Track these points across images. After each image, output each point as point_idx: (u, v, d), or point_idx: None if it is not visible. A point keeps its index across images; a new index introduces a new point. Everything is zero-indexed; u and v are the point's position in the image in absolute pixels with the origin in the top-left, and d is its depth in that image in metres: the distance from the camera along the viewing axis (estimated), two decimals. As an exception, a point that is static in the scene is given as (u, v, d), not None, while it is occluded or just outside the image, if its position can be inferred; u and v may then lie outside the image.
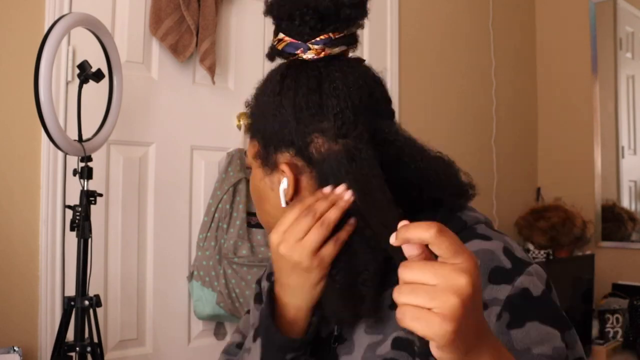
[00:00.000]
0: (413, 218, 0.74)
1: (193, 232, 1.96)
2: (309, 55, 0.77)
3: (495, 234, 0.76)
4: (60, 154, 1.66)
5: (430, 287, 0.50)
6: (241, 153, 1.98)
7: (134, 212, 1.86)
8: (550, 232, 2.79)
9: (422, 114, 2.58)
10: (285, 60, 0.80)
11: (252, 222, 1.95)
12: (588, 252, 2.81)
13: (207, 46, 1.90)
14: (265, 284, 0.97)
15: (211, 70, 1.91)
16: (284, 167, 0.77)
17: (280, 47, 0.79)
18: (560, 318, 0.70)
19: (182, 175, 1.97)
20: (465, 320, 0.50)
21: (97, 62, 1.53)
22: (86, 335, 1.46)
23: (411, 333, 0.70)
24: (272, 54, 0.81)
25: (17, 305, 1.62)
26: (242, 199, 1.92)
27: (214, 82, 1.96)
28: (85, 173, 1.49)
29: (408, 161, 0.75)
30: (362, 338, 0.76)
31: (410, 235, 0.52)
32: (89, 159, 1.50)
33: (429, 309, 0.49)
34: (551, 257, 2.79)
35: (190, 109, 1.98)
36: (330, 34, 0.76)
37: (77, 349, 1.44)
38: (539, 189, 3.23)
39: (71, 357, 1.46)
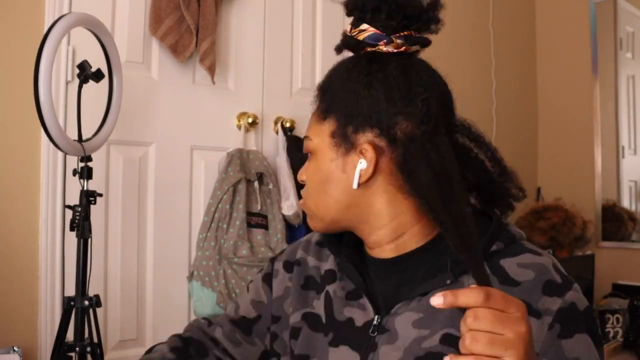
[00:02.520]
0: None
1: (193, 232, 1.96)
2: (389, 48, 0.79)
3: (542, 251, 0.80)
4: (60, 154, 1.66)
5: (502, 338, 0.54)
6: (241, 153, 1.98)
7: (134, 212, 1.86)
8: (550, 232, 2.79)
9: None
10: (356, 52, 0.82)
11: (252, 222, 1.95)
12: (588, 252, 2.81)
13: (207, 46, 1.90)
14: (280, 268, 0.95)
15: (211, 70, 1.91)
16: (367, 146, 0.78)
17: (361, 37, 0.80)
18: (599, 334, 0.75)
19: (182, 175, 1.96)
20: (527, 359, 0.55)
21: (97, 62, 1.53)
22: (86, 335, 1.46)
23: (459, 331, 0.71)
24: (346, 44, 0.83)
25: (17, 305, 1.62)
26: (242, 199, 1.92)
27: (214, 82, 1.96)
28: (85, 173, 1.49)
29: (478, 152, 0.81)
30: (408, 330, 0.77)
31: (460, 302, 0.55)
32: (89, 159, 1.50)
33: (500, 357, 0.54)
34: (551, 257, 2.78)
35: (190, 109, 1.98)
36: (412, 32, 0.80)
37: (77, 349, 1.44)
38: (539, 189, 3.23)
39: (71, 357, 1.46)
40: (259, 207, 1.98)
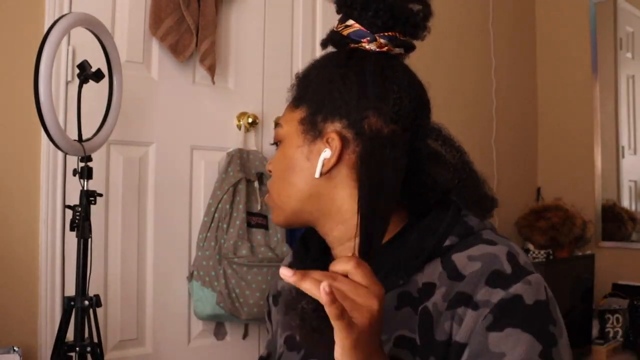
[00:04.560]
0: (423, 217, 0.77)
1: (193, 232, 1.96)
2: (372, 46, 0.79)
3: (501, 239, 0.77)
4: (60, 154, 1.66)
5: (354, 301, 0.60)
6: (241, 153, 1.98)
7: (134, 212, 1.86)
8: (550, 232, 2.79)
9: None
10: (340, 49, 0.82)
11: (252, 222, 1.95)
12: (588, 252, 2.81)
13: (207, 46, 1.90)
14: (271, 303, 0.98)
15: (211, 70, 1.91)
16: (333, 135, 0.78)
17: (345, 33, 0.80)
18: (546, 332, 0.69)
19: (182, 175, 1.96)
20: (367, 337, 0.61)
21: (97, 62, 1.53)
22: (86, 335, 1.46)
23: (412, 332, 0.72)
24: (331, 39, 0.83)
25: (17, 305, 1.62)
26: (242, 199, 1.92)
27: (214, 82, 1.96)
28: (85, 173, 1.49)
29: (444, 158, 0.80)
30: None
31: (335, 268, 0.63)
32: (89, 159, 1.50)
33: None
34: (551, 257, 2.78)
35: (190, 109, 1.98)
36: (397, 34, 0.80)
37: (77, 349, 1.44)
38: (539, 189, 3.23)
39: (71, 357, 1.46)
40: (259, 207, 1.98)
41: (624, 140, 3.04)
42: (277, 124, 0.85)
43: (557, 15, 3.24)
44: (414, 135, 0.78)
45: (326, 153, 0.78)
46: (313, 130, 0.79)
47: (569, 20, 3.18)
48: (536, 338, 0.67)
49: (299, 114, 0.81)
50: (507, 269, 0.71)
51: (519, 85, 3.19)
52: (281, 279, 0.92)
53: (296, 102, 0.83)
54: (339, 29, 0.81)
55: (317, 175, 0.78)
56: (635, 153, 3.02)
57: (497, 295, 0.69)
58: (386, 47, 0.79)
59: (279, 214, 0.85)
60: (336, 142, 0.77)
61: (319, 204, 0.81)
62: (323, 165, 0.78)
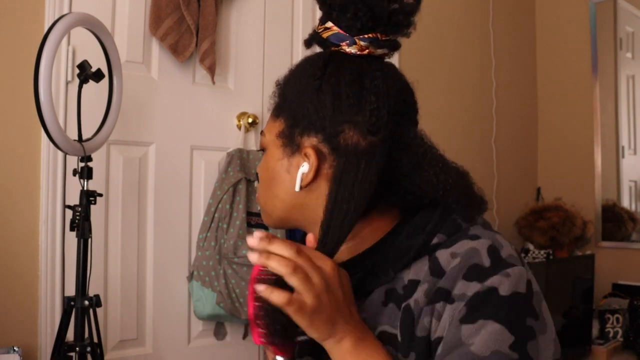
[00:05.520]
0: (412, 216, 0.78)
1: (193, 232, 1.96)
2: (352, 49, 0.78)
3: (486, 233, 0.75)
4: (60, 154, 1.66)
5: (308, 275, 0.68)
6: (241, 153, 1.98)
7: (134, 212, 1.86)
8: (550, 232, 2.79)
9: (422, 114, 2.58)
10: (324, 50, 0.81)
11: (252, 222, 1.95)
12: (588, 252, 2.81)
13: (207, 46, 1.90)
14: None
15: (211, 70, 1.91)
16: (309, 151, 0.77)
17: (325, 35, 0.79)
18: (521, 324, 0.68)
19: (182, 175, 1.96)
20: (328, 296, 0.68)
21: (97, 62, 1.53)
22: (86, 335, 1.46)
23: (394, 328, 0.74)
24: (312, 41, 0.82)
25: (17, 305, 1.62)
26: (242, 199, 1.92)
27: (213, 82, 1.96)
28: (85, 173, 1.49)
29: (427, 167, 0.77)
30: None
31: (273, 249, 0.68)
32: (89, 159, 1.50)
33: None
34: (551, 257, 2.78)
35: (190, 109, 1.98)
36: (378, 35, 0.78)
37: (77, 349, 1.44)
38: (539, 189, 3.23)
39: (71, 357, 1.46)
40: (258, 207, 1.97)
41: (624, 140, 3.03)
42: (262, 132, 0.85)
43: (557, 15, 3.23)
44: (394, 144, 0.76)
45: (304, 167, 0.77)
46: (291, 144, 0.79)
47: (569, 20, 3.18)
48: (508, 329, 0.66)
49: (278, 126, 0.81)
50: (486, 262, 0.71)
51: (519, 86, 3.19)
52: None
53: (276, 111, 0.82)
54: (319, 31, 0.80)
55: (297, 189, 0.78)
56: (635, 153, 3.02)
57: (473, 288, 0.69)
58: (367, 50, 0.77)
59: (268, 218, 0.86)
60: (312, 158, 0.76)
61: (302, 213, 0.81)
62: (302, 180, 0.78)
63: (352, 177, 0.73)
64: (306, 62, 0.81)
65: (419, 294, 0.73)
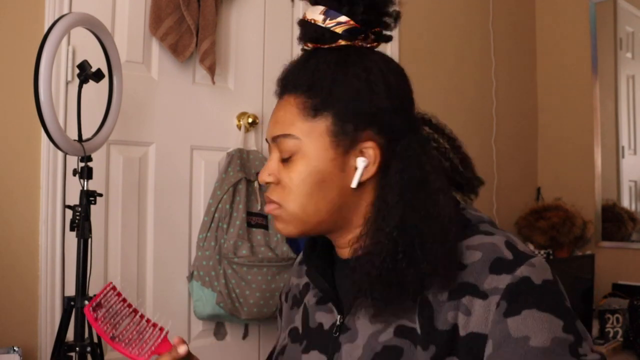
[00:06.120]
0: None
1: (193, 232, 1.96)
2: (364, 43, 0.79)
3: (498, 230, 0.77)
4: (60, 154, 1.66)
5: None
6: (241, 153, 1.98)
7: (134, 212, 1.86)
8: (550, 232, 2.79)
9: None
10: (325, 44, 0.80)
11: (252, 222, 1.94)
12: (588, 252, 2.81)
13: (207, 46, 1.90)
14: (283, 301, 0.99)
15: (211, 70, 1.91)
16: (370, 144, 0.77)
17: (339, 30, 0.78)
18: (564, 307, 0.70)
19: (182, 175, 1.96)
20: None
21: (97, 62, 1.53)
22: (86, 335, 1.46)
23: (412, 322, 0.73)
24: (319, 35, 0.79)
25: (17, 305, 1.62)
26: (242, 199, 1.92)
27: (214, 82, 1.96)
28: (85, 173, 1.49)
29: (438, 148, 0.83)
30: (366, 327, 0.77)
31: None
32: (89, 159, 1.50)
33: None
34: (551, 257, 2.78)
35: (190, 109, 1.98)
36: (381, 29, 0.80)
37: (77, 349, 1.44)
38: (539, 189, 3.23)
39: (71, 357, 1.46)
40: (258, 207, 1.98)
41: (624, 140, 3.03)
42: (287, 135, 0.79)
43: (557, 15, 3.23)
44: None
45: (364, 162, 0.76)
46: (345, 141, 0.77)
47: (569, 20, 3.18)
48: (554, 314, 0.68)
49: (324, 124, 0.77)
50: (508, 255, 0.72)
51: (519, 86, 3.19)
52: (292, 275, 0.94)
53: (313, 111, 0.78)
54: (329, 25, 0.78)
55: (354, 185, 0.77)
56: (635, 153, 3.02)
57: (504, 280, 0.69)
58: (375, 44, 0.79)
59: (298, 226, 0.80)
60: (374, 151, 0.76)
61: (345, 213, 0.80)
62: (362, 175, 0.77)
63: (423, 161, 0.75)
64: (332, 57, 0.78)
65: (435, 287, 0.73)
